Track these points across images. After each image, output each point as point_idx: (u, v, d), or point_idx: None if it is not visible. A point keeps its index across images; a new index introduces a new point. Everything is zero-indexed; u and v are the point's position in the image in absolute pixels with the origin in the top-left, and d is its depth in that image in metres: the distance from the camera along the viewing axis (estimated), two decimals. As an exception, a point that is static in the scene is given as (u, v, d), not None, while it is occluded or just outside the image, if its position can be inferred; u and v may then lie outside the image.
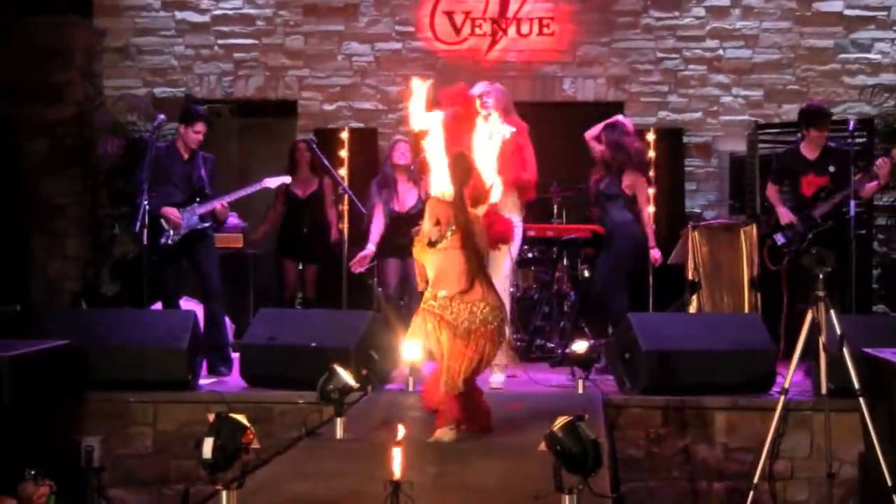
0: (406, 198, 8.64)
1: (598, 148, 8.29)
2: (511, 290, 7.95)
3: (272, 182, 8.38)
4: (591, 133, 8.46)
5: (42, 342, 6.83)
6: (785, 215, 8.15)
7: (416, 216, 8.26)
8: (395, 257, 8.55)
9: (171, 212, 7.90)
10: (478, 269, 5.50)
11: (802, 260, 6.10)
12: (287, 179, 8.71)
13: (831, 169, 8.11)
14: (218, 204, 8.01)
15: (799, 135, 8.44)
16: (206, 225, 8.03)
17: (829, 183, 8.08)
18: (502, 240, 6.77)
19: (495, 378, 7.33)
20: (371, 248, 8.54)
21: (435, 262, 5.51)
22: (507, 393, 7.19)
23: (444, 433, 5.45)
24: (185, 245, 7.99)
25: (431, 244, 5.45)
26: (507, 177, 6.86)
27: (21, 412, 6.31)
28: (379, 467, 4.28)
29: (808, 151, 8.20)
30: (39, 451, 6.42)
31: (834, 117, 10.37)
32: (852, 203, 8.19)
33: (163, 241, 7.94)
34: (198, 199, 7.98)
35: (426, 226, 5.50)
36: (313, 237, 9.43)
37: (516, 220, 7.29)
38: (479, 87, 7.37)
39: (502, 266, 7.18)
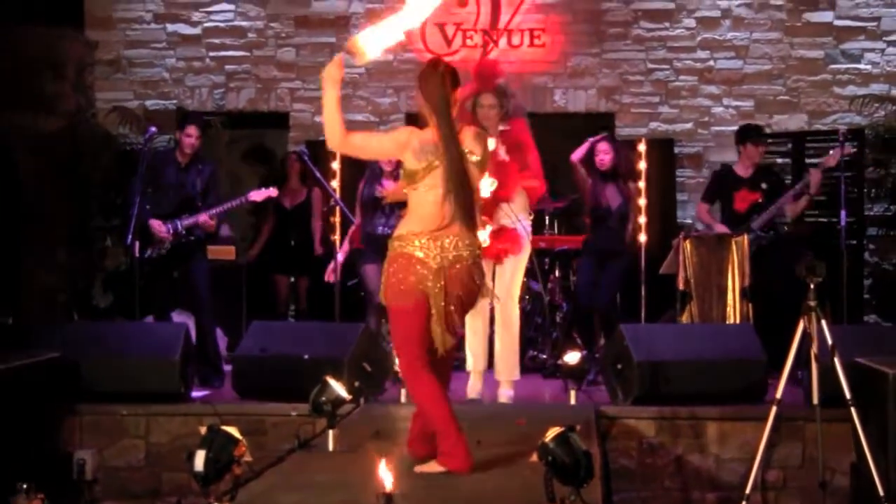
0: (388, 186, 8.20)
1: (607, 159, 8.49)
2: (521, 303, 7.81)
3: (257, 195, 8.16)
4: (578, 154, 8.65)
5: (33, 354, 6.81)
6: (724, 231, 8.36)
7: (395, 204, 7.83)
8: (374, 262, 7.92)
9: (157, 226, 7.89)
10: (460, 207, 4.85)
11: (794, 269, 6.09)
12: (273, 192, 8.31)
13: (763, 186, 8.52)
14: (203, 217, 7.95)
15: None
16: (193, 238, 8.00)
17: (762, 198, 8.46)
18: (508, 252, 6.94)
19: (503, 392, 7.26)
20: (339, 256, 8.58)
21: (412, 198, 4.96)
22: (509, 406, 7.21)
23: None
24: (176, 257, 7.99)
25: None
26: (512, 183, 6.99)
27: (12, 425, 6.30)
28: (371, 479, 4.28)
29: (742, 169, 8.62)
30: (31, 464, 6.41)
31: (824, 128, 10.54)
32: (843, 213, 8.26)
33: (148, 253, 7.93)
34: (187, 211, 7.96)
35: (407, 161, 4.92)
36: (301, 249, 9.42)
37: (526, 224, 7.13)
38: (506, 86, 7.47)
39: (513, 279, 7.10)
